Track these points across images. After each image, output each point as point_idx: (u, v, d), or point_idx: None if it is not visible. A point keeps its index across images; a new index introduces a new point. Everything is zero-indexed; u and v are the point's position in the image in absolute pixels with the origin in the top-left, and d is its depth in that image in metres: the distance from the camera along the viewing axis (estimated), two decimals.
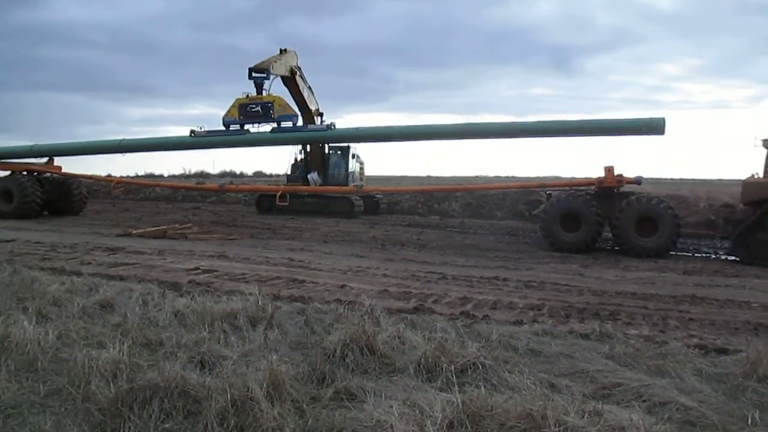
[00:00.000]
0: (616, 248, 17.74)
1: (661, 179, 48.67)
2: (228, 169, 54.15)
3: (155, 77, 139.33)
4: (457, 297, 10.42)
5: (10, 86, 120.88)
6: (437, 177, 50.47)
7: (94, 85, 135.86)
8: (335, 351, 5.81)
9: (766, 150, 16.02)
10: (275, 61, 22.83)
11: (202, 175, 50.43)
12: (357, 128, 22.34)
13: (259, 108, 21.76)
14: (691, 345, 7.58)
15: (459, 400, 4.45)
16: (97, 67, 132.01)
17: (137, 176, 42.25)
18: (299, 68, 24.94)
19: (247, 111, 21.84)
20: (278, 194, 23.60)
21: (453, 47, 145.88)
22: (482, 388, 5.06)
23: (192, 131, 22.57)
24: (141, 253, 14.63)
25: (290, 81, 24.42)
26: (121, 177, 31.86)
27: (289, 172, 29.33)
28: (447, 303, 9.94)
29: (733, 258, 16.50)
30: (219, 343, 6.27)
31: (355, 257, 15.14)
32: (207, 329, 6.74)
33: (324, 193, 26.65)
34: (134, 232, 18.68)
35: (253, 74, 21.84)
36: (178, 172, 52.10)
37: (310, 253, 15.63)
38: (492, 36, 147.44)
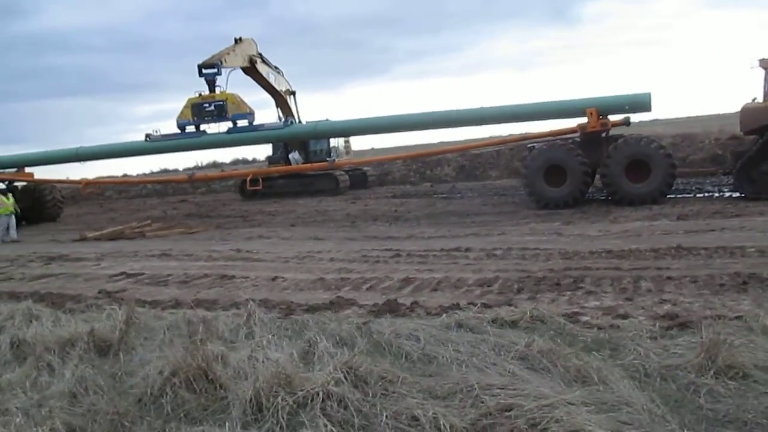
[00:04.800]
0: (610, 198, 16.05)
1: (677, 119, 46.21)
2: (240, 157, 52.14)
3: (155, 73, 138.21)
4: (399, 279, 8.95)
5: (12, 97, 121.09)
6: (432, 144, 48.13)
7: (96, 87, 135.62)
8: (152, 388, 4.42)
9: (764, 71, 14.09)
10: (227, 54, 21.25)
11: (215, 165, 48.71)
12: (316, 122, 21.13)
13: (212, 107, 20.32)
14: (657, 316, 6.13)
15: None
16: (98, 69, 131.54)
17: (125, 176, 40.93)
18: (260, 54, 23.41)
19: (200, 111, 20.35)
20: (248, 179, 22.09)
21: (448, 11, 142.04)
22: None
23: (147, 136, 21.23)
24: (79, 260, 13.38)
25: (251, 70, 22.97)
26: (97, 178, 30.66)
27: (270, 154, 28.08)
28: (382, 288, 8.49)
29: (738, 195, 14.73)
30: (28, 385, 4.93)
31: (312, 240, 13.74)
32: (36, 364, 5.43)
33: (306, 172, 25.21)
34: (90, 235, 17.49)
35: (203, 71, 20.31)
36: (191, 164, 50.76)
37: (266, 241, 14.30)
38: None
